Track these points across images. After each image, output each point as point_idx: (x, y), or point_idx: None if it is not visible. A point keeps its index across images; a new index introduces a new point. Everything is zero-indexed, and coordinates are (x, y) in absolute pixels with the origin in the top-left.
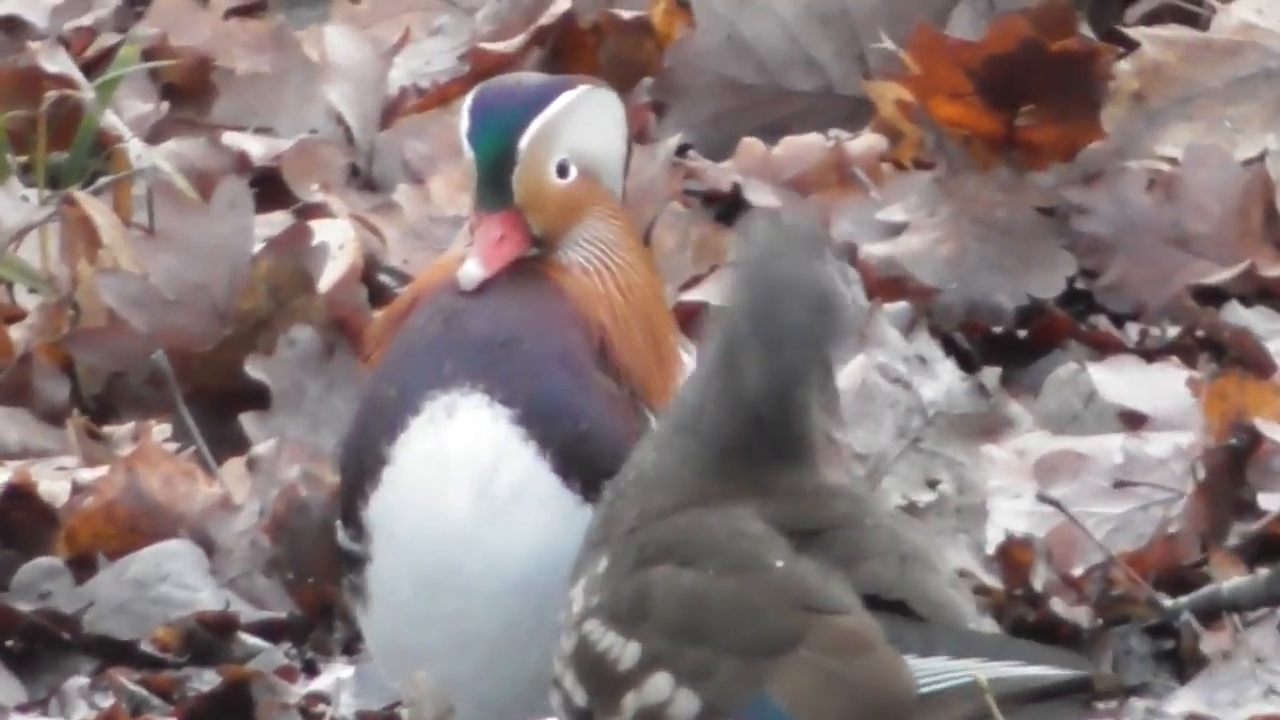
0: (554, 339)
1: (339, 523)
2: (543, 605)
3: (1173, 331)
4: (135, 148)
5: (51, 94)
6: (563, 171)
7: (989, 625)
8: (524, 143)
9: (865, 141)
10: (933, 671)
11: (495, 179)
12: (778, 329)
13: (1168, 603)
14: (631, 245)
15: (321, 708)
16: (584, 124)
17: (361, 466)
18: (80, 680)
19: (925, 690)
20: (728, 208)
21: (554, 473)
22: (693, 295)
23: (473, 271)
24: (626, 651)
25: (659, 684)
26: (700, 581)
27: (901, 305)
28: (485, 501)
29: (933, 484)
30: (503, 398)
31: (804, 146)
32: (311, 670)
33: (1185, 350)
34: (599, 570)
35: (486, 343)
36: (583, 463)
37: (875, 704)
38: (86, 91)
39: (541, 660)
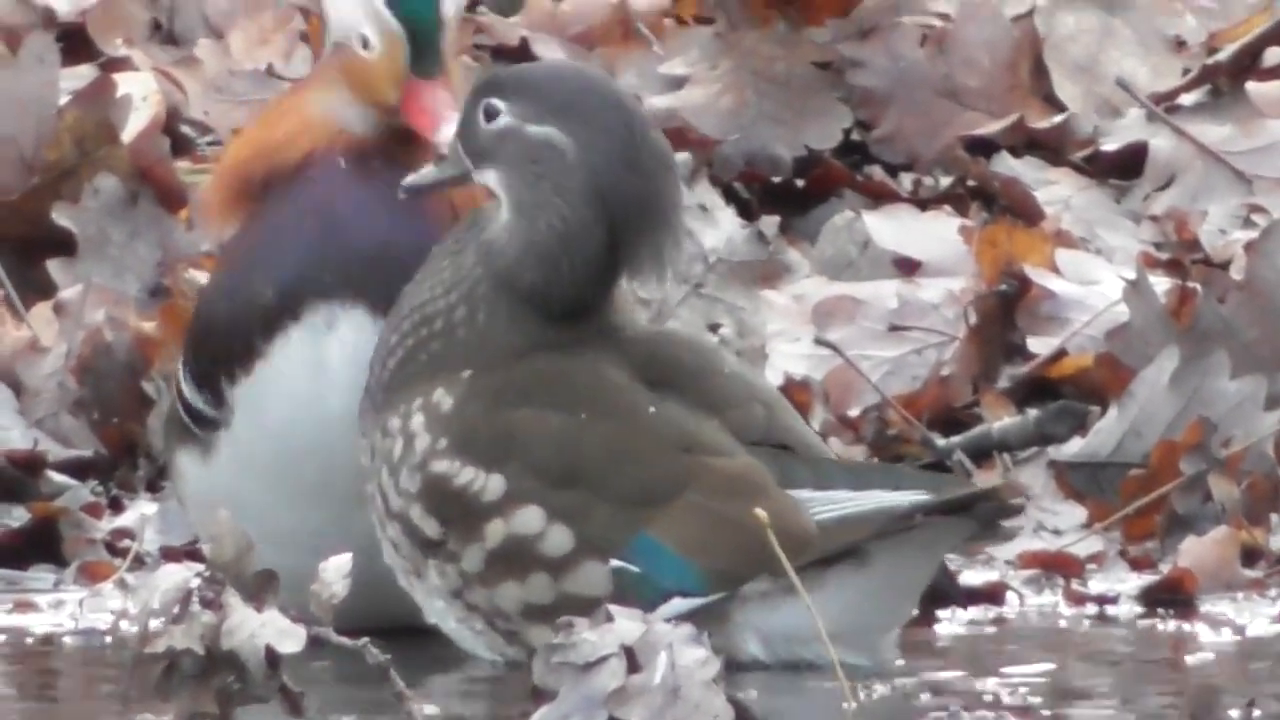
0: (424, 240)
1: (186, 377)
2: None
3: (945, 181)
4: None
5: None
6: None
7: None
8: (449, 9)
9: None
10: (819, 502)
11: (429, 46)
12: (650, 162)
13: (940, 442)
14: None
15: (126, 543)
16: None
17: (230, 349)
18: None
19: (820, 519)
20: (516, 62)
21: None
22: None
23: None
24: (489, 484)
25: (529, 517)
26: (572, 425)
27: (683, 156)
28: (358, 394)
29: (714, 328)
30: (382, 309)
31: (590, 2)
32: (117, 506)
33: (957, 199)
34: (442, 411)
35: (364, 254)
36: None
37: (779, 542)
38: None
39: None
